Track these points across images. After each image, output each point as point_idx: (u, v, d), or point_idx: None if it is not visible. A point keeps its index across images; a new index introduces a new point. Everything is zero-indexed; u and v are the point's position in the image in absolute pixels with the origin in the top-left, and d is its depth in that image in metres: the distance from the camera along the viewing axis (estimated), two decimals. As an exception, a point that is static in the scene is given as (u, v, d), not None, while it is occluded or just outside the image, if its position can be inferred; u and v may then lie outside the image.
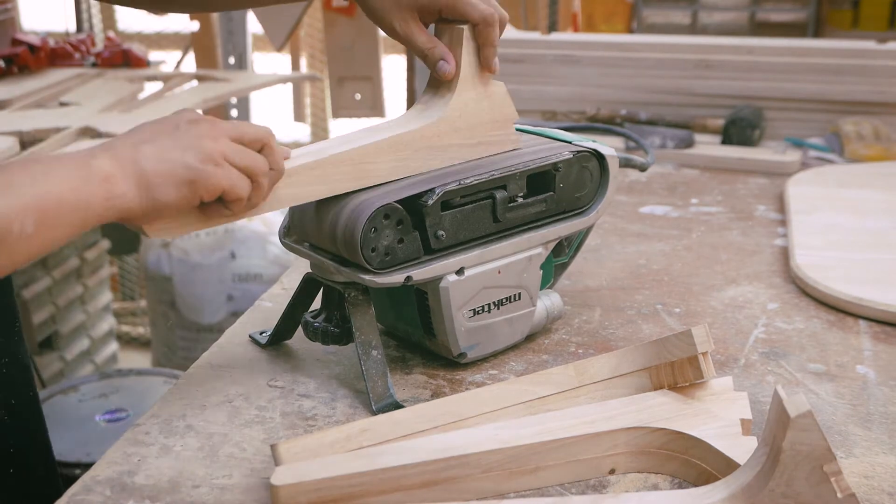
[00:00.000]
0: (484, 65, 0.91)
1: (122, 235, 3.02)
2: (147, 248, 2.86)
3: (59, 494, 0.74)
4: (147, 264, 2.84)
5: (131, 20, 3.85)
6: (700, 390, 0.80)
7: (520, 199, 0.91)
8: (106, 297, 2.80)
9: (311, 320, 0.91)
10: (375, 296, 0.92)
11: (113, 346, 2.85)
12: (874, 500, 0.73)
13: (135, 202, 0.71)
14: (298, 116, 3.45)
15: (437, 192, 0.85)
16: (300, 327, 0.94)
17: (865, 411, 0.86)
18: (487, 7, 0.89)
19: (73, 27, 3.17)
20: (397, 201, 0.84)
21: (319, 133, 3.66)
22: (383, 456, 0.71)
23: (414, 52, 0.90)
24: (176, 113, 0.77)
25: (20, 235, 0.64)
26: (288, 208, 0.90)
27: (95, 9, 3.23)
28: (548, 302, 0.99)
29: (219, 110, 3.03)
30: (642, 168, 1.07)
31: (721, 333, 1.02)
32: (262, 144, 0.78)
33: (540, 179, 0.93)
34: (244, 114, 3.10)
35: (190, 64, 3.17)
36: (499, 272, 0.91)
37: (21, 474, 0.98)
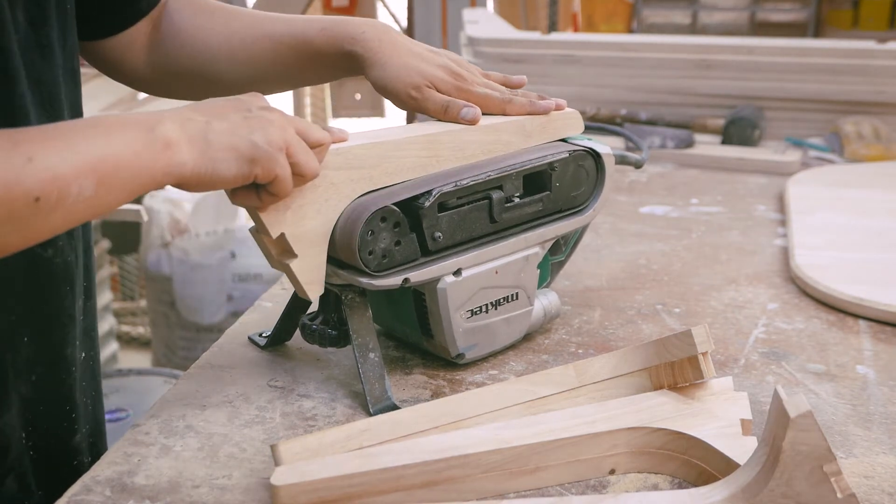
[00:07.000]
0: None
1: (123, 235, 3.02)
2: (147, 248, 2.86)
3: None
4: (147, 264, 2.84)
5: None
6: (700, 390, 0.80)
7: (516, 200, 0.91)
8: (106, 297, 2.80)
9: (309, 323, 0.91)
10: (373, 297, 0.92)
11: (113, 346, 2.85)
12: (874, 500, 0.73)
13: (195, 170, 0.71)
14: (298, 116, 3.45)
15: (433, 193, 0.85)
16: (298, 329, 0.94)
17: (865, 411, 0.86)
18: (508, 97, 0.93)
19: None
20: (394, 204, 0.84)
21: (319, 133, 3.65)
22: (383, 456, 0.71)
23: (432, 115, 0.91)
24: (249, 95, 0.78)
25: (78, 197, 0.64)
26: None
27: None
28: (545, 301, 0.99)
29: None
30: (637, 165, 1.07)
31: (721, 333, 1.02)
32: (318, 148, 0.79)
33: (536, 179, 0.93)
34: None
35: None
36: (496, 272, 0.91)
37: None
